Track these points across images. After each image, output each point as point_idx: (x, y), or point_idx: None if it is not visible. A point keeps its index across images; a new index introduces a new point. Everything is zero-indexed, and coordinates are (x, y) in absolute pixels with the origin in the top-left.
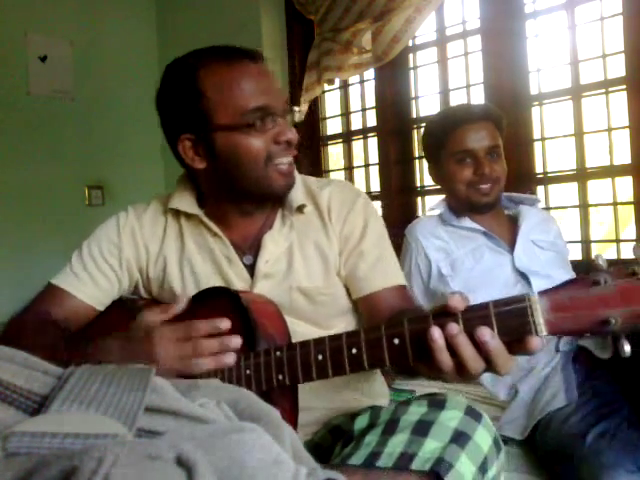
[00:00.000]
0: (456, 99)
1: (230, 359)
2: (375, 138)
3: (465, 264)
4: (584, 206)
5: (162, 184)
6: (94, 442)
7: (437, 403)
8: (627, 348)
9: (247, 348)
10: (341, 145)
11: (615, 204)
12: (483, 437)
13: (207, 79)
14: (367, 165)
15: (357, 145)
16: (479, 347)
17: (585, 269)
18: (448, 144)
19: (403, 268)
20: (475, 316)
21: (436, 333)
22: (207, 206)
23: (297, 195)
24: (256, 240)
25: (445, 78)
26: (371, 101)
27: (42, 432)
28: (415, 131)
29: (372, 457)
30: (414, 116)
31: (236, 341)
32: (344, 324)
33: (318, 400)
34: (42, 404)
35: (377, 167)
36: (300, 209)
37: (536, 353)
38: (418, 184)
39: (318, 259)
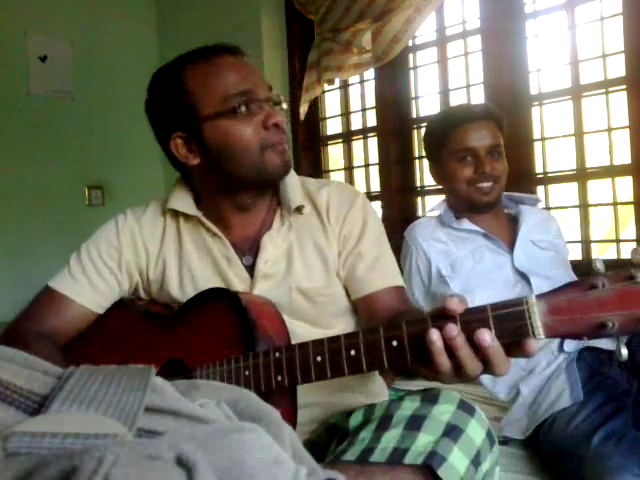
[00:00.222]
0: (456, 99)
1: None
2: (375, 138)
3: (465, 265)
4: (584, 206)
5: (162, 184)
6: (94, 442)
7: (430, 398)
8: (624, 352)
9: (246, 349)
10: (341, 145)
11: (615, 204)
12: (476, 430)
13: (190, 76)
14: (367, 165)
15: (357, 145)
16: (477, 349)
17: (585, 269)
18: (449, 143)
19: (403, 270)
20: (473, 319)
21: (434, 335)
22: (204, 207)
23: (295, 196)
24: (255, 241)
25: (445, 78)
26: (371, 101)
27: (42, 432)
28: (415, 131)
29: (366, 453)
30: (414, 116)
31: None
32: (343, 325)
33: (316, 400)
34: (42, 404)
35: (377, 167)
36: (299, 210)
37: (533, 356)
38: (418, 184)
39: (317, 260)
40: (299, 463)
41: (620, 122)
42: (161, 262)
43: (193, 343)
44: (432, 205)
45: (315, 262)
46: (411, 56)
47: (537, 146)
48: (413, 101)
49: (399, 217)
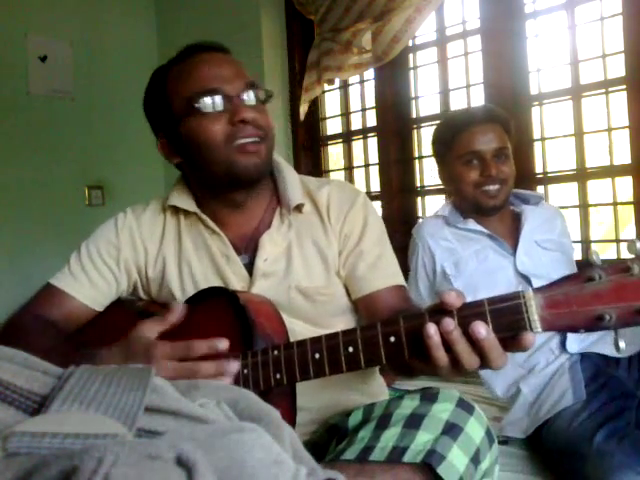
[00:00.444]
0: (456, 99)
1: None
2: (375, 138)
3: (469, 265)
4: (584, 206)
5: (162, 184)
6: (94, 442)
7: (429, 397)
8: (622, 344)
9: (245, 348)
10: (341, 145)
11: (615, 204)
12: (475, 428)
13: (170, 77)
14: (367, 165)
15: (357, 145)
16: (474, 343)
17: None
18: (455, 146)
19: (410, 267)
20: (470, 313)
21: (432, 329)
22: (202, 204)
23: (295, 194)
24: (253, 239)
25: (445, 78)
26: (371, 101)
27: (42, 432)
28: (415, 131)
29: (365, 451)
30: (414, 116)
31: (234, 365)
32: (343, 324)
33: (317, 400)
34: (42, 404)
35: (377, 167)
36: (299, 208)
37: (529, 349)
38: (418, 184)
39: (317, 259)
40: (299, 463)
41: (620, 122)
42: (160, 261)
43: None
44: (432, 205)
45: (315, 261)
46: (411, 56)
47: (537, 146)
48: (413, 101)
49: (399, 217)
